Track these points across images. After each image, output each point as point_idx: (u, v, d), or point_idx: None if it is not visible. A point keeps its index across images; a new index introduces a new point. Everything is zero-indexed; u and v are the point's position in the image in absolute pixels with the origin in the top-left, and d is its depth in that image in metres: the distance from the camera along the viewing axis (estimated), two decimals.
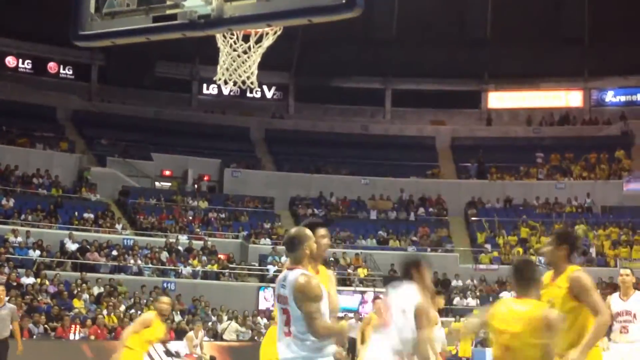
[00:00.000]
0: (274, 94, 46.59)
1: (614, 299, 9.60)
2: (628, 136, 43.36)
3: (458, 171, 43.09)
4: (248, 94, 44.09)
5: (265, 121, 45.03)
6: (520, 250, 35.84)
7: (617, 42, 41.51)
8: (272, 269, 32.92)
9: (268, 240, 35.50)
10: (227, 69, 8.64)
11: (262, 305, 31.34)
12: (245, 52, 8.47)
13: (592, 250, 35.70)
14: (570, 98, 46.10)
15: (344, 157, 42.05)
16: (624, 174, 40.42)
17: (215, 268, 32.59)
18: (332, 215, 39.04)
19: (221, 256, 33.48)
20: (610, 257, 35.61)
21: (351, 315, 24.74)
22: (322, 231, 6.48)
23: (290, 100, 46.75)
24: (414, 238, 37.50)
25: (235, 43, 8.34)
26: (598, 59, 43.39)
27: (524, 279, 5.88)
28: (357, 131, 44.22)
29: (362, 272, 34.25)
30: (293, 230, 6.27)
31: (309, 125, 44.34)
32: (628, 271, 9.45)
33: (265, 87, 45.60)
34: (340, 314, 25.18)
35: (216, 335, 26.45)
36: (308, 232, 6.11)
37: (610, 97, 45.92)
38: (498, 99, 46.50)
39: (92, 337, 23.73)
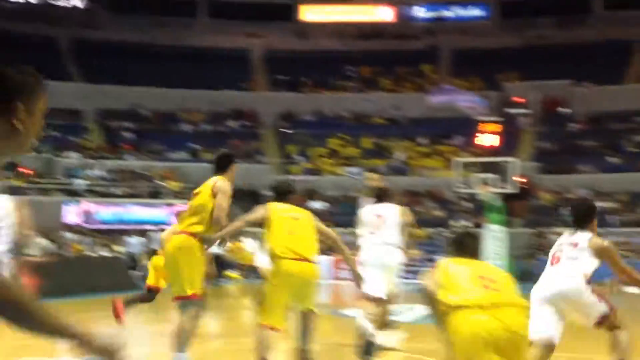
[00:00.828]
0: (83, 3, 44.75)
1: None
2: (435, 50, 44.91)
3: (272, 84, 43.32)
4: (56, 3, 42.12)
5: (74, 31, 43.26)
6: (330, 161, 36.83)
7: None
8: (80, 182, 32.21)
9: (76, 154, 34.59)
10: None
11: (67, 220, 30.62)
12: None
13: (400, 161, 37.24)
14: (381, 12, 47.03)
15: (157, 69, 41.16)
16: (430, 87, 41.93)
17: (21, 183, 31.49)
18: (145, 127, 38.51)
19: (27, 171, 32.37)
20: (415, 167, 37.23)
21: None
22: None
23: (101, 10, 45.06)
24: (226, 150, 37.61)
25: None
26: None
27: None
28: (171, 43, 43.24)
29: (174, 185, 34.12)
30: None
31: (120, 36, 42.91)
32: (375, 176, 9.53)
33: None
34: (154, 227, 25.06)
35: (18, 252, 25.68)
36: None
37: (419, 12, 47.16)
38: (312, 13, 46.77)
39: None
